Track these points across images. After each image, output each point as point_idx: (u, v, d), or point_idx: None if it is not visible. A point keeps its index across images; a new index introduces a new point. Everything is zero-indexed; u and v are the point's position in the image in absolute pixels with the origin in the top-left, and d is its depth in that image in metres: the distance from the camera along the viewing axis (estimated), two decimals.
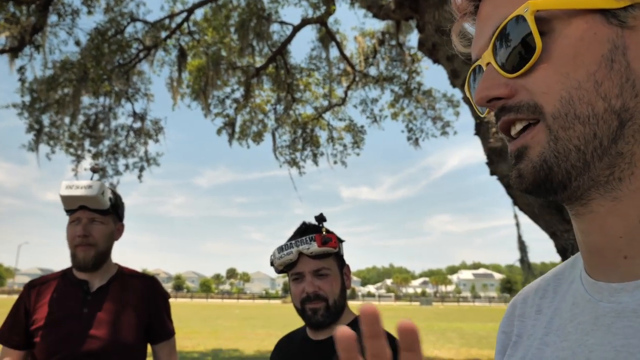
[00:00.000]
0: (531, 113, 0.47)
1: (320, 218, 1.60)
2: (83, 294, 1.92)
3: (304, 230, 1.56)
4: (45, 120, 8.78)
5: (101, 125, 9.16)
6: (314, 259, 1.50)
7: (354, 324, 1.54)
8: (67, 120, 8.74)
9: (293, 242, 1.52)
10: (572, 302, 0.53)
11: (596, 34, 0.46)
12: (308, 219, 1.62)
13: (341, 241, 1.61)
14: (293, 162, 10.63)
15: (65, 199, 1.91)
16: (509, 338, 0.63)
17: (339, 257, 1.57)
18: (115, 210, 2.04)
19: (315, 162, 10.65)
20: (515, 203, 4.13)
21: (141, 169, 9.56)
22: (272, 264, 1.57)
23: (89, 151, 9.20)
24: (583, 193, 0.47)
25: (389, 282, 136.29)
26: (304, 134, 10.62)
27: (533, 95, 0.47)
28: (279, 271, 1.57)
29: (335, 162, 10.76)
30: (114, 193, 2.07)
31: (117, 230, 2.06)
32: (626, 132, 0.45)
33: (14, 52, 7.37)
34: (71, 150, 9.12)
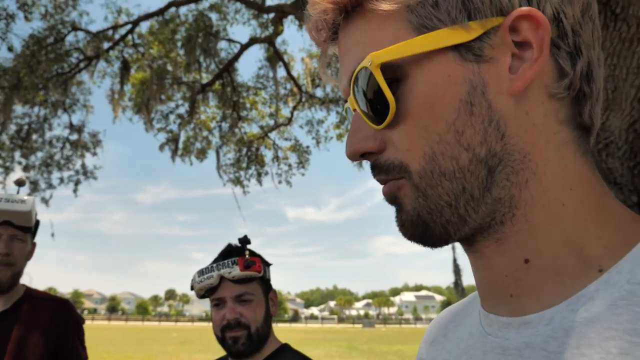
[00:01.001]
0: (397, 173, 0.45)
1: (244, 240, 1.54)
2: None
3: (227, 253, 1.50)
4: None
5: (34, 136, 8.73)
6: (236, 284, 1.45)
7: (279, 353, 1.49)
8: None
9: (214, 265, 1.46)
10: (469, 332, 0.53)
11: (450, 75, 0.43)
12: (253, 238, 1.57)
13: (267, 265, 1.56)
14: (237, 181, 10.51)
15: None
16: None
17: (264, 282, 1.52)
18: (34, 228, 1.93)
19: (259, 182, 10.58)
20: None
21: (77, 183, 9.19)
22: (192, 288, 1.51)
23: (20, 163, 8.73)
24: (469, 236, 0.46)
25: (332, 304, 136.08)
26: (249, 152, 10.55)
27: (398, 152, 0.45)
28: (199, 296, 1.51)
29: (280, 182, 10.74)
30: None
31: (31, 250, 1.94)
32: (498, 178, 0.43)
33: None
34: (0, 161, 8.63)
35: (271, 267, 1.59)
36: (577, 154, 0.45)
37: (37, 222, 1.97)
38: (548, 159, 0.44)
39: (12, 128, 8.44)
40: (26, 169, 8.75)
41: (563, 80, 0.44)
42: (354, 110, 0.48)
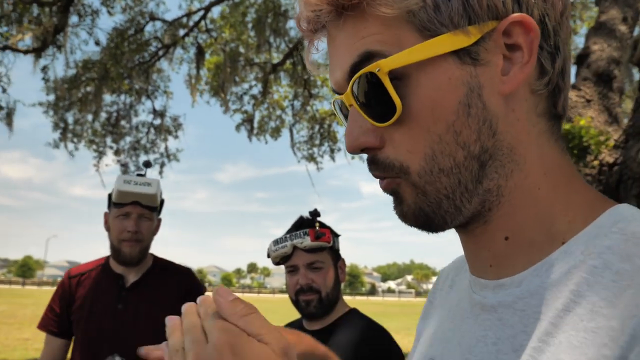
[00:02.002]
0: (396, 173, 0.49)
1: (314, 213, 1.65)
2: (118, 289, 1.95)
3: (299, 225, 1.62)
4: (70, 118, 9.01)
5: (123, 122, 9.35)
6: (307, 253, 1.56)
7: (347, 316, 1.60)
8: (89, 117, 8.96)
9: (288, 235, 1.58)
10: (462, 287, 0.60)
11: (450, 79, 0.46)
12: (328, 214, 1.67)
13: (336, 235, 1.66)
14: (311, 158, 10.68)
15: (122, 194, 1.92)
16: (430, 305, 0.71)
17: (333, 251, 1.63)
18: (160, 206, 2.07)
19: (332, 158, 10.69)
20: None
21: (162, 165, 9.74)
22: (268, 255, 1.64)
23: (111, 147, 9.42)
24: (464, 223, 0.51)
25: (409, 278, 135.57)
26: (321, 129, 10.66)
27: (398, 152, 0.48)
28: (275, 263, 1.64)
29: (352, 158, 10.78)
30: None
31: (157, 226, 2.10)
32: (488, 171, 0.47)
33: (37, 52, 7.59)
34: (94, 146, 9.35)
35: (348, 242, 1.69)
36: (552, 141, 0.50)
37: (162, 201, 2.11)
38: (528, 149, 0.48)
39: (103, 116, 9.09)
40: (117, 153, 9.42)
41: (544, 78, 0.48)
42: (350, 105, 0.50)
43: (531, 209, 0.48)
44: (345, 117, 0.56)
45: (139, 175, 2.02)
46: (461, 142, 0.46)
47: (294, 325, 1.70)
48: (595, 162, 3.59)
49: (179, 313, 0.52)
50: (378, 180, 0.52)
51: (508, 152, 0.48)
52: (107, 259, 2.06)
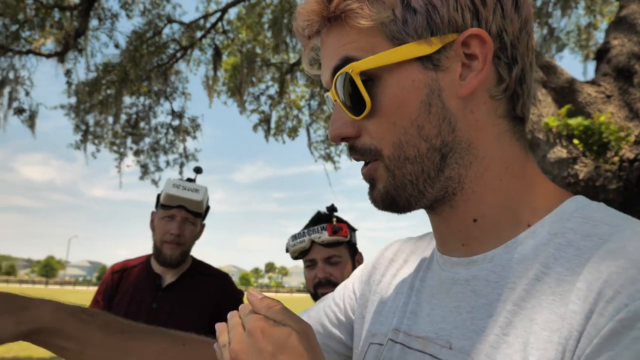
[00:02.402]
0: (372, 156, 0.57)
1: (332, 208, 1.67)
2: (155, 288, 1.99)
3: (317, 220, 1.65)
4: (90, 120, 9.17)
5: (142, 124, 9.47)
6: (325, 247, 1.58)
7: None
8: (110, 119, 9.10)
9: (306, 230, 1.61)
10: (424, 265, 0.67)
11: (414, 81, 0.54)
12: (345, 214, 1.69)
13: (353, 230, 1.68)
14: (328, 157, 10.69)
15: (170, 197, 1.94)
16: (374, 270, 0.76)
17: (350, 245, 1.65)
18: (205, 213, 2.09)
19: (350, 157, 10.69)
20: None
21: (181, 165, 9.85)
22: (287, 250, 1.67)
23: (131, 149, 9.54)
24: (428, 206, 0.59)
25: None
26: None
27: (372, 139, 0.56)
28: (293, 257, 1.66)
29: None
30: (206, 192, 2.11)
31: (200, 229, 2.12)
32: (449, 162, 0.55)
33: (59, 55, 7.74)
34: (114, 148, 9.49)
35: (364, 241, 1.71)
36: (513, 139, 0.57)
37: (208, 207, 2.13)
38: (488, 146, 0.56)
39: (123, 118, 9.23)
40: (137, 153, 9.54)
41: (501, 85, 0.56)
42: (335, 100, 0.58)
43: (494, 196, 0.56)
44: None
45: (188, 180, 2.04)
46: (424, 135, 0.54)
47: None
48: (616, 158, 3.54)
49: (211, 316, 0.63)
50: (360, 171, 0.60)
51: (467, 147, 0.55)
52: (149, 257, 2.10)
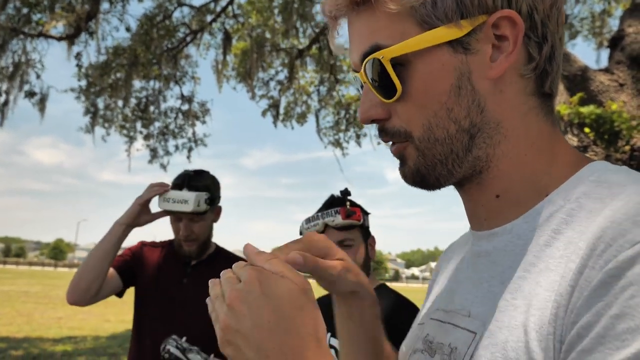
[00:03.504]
0: (402, 138, 0.58)
1: (345, 192, 1.69)
2: (184, 265, 2.07)
3: (330, 203, 1.67)
4: (100, 103, 9.21)
5: (151, 108, 9.50)
6: (339, 230, 1.61)
7: (377, 291, 1.64)
8: (120, 103, 9.13)
9: (320, 214, 1.63)
10: (463, 251, 0.71)
11: (444, 65, 0.54)
12: (353, 200, 1.71)
13: (366, 214, 1.70)
14: (337, 143, 10.68)
15: (163, 211, 1.97)
16: (436, 278, 0.80)
17: (363, 229, 1.67)
18: (212, 202, 2.08)
19: (358, 143, 10.67)
20: None
21: (190, 150, 9.88)
22: (300, 233, 1.69)
23: (141, 132, 9.59)
24: (456, 183, 0.61)
25: (433, 265, 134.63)
26: (347, 114, 10.64)
27: (402, 122, 0.58)
28: None
29: (378, 143, 10.73)
30: (213, 180, 2.11)
31: (215, 215, 2.15)
32: (477, 142, 0.56)
33: (70, 39, 7.76)
34: (124, 131, 9.54)
35: (372, 228, 1.73)
36: (540, 115, 0.58)
37: (218, 195, 2.11)
38: (515, 124, 0.57)
39: (132, 101, 9.26)
40: (146, 138, 9.59)
41: (531, 64, 0.56)
42: (364, 82, 0.59)
43: (518, 171, 0.57)
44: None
45: (178, 184, 2.02)
46: (453, 117, 0.55)
47: (324, 300, 1.76)
48: (627, 147, 3.53)
49: None
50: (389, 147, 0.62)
51: (495, 126, 0.56)
52: (173, 240, 2.14)
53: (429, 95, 0.55)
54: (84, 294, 1.87)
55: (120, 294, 2.08)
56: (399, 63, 0.55)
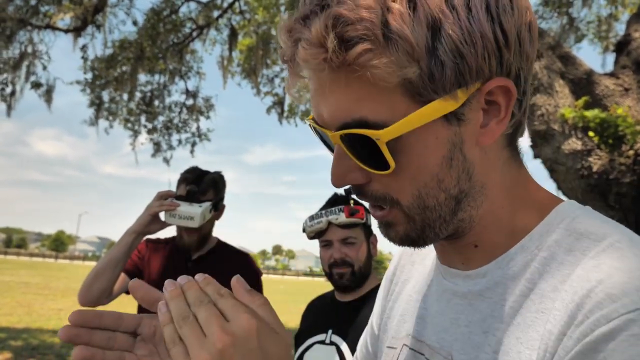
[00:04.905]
0: (387, 203, 0.55)
1: (349, 191, 1.70)
2: (185, 260, 2.12)
3: (334, 202, 1.68)
4: (105, 96, 9.23)
5: (156, 102, 9.51)
6: (342, 228, 1.62)
7: (379, 289, 1.66)
8: (125, 96, 9.15)
9: (323, 212, 1.64)
10: (430, 270, 0.70)
11: (437, 138, 0.51)
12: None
13: (369, 212, 1.71)
14: None
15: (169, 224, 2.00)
16: (394, 281, 0.80)
17: (366, 227, 1.69)
18: (215, 207, 2.09)
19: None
20: (559, 187, 4.09)
21: (193, 144, 9.89)
22: (304, 230, 1.71)
23: (145, 126, 9.60)
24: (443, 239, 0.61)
25: None
26: None
27: (388, 190, 0.54)
28: (310, 237, 1.70)
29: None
30: (219, 177, 2.13)
31: (218, 213, 2.17)
32: (463, 206, 0.56)
33: (77, 31, 7.78)
34: (129, 125, 9.56)
35: (372, 228, 1.74)
36: (512, 163, 0.58)
37: (222, 196, 2.14)
38: (495, 180, 0.57)
39: (137, 95, 9.28)
40: (150, 131, 9.60)
41: (512, 121, 0.55)
42: (336, 144, 0.54)
43: (496, 224, 0.58)
44: (322, 139, 0.59)
45: (188, 195, 2.02)
46: (443, 187, 0.54)
47: (326, 297, 1.78)
48: (631, 152, 3.53)
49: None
50: (369, 208, 0.60)
51: (480, 189, 0.56)
52: (175, 236, 2.19)
53: (420, 169, 0.52)
54: (96, 299, 1.94)
55: (129, 292, 2.11)
56: (392, 143, 0.50)
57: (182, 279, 0.53)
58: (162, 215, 1.99)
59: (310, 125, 0.59)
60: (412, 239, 0.58)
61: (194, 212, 1.94)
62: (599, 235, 0.51)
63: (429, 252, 0.73)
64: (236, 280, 0.53)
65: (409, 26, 0.47)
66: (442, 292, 0.63)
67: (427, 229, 0.56)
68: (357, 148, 0.52)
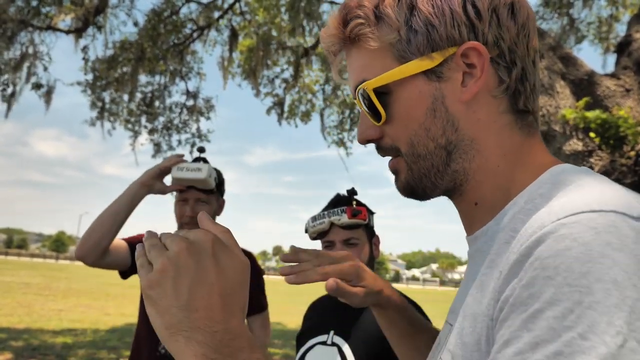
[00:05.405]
0: (394, 153, 0.69)
1: (352, 192, 1.71)
2: None
3: (336, 202, 1.68)
4: (106, 97, 9.23)
5: (157, 103, 9.52)
6: (344, 229, 1.62)
7: None
8: (125, 97, 9.16)
9: (326, 212, 1.64)
10: None
11: (420, 92, 0.63)
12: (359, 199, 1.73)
13: (372, 213, 1.71)
14: (341, 142, 10.69)
15: (176, 181, 2.01)
16: None
17: (368, 228, 1.68)
18: (218, 189, 2.16)
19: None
20: None
21: (192, 145, 9.89)
22: (306, 231, 1.71)
23: (145, 127, 9.61)
24: (443, 194, 0.69)
25: (434, 266, 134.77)
26: (351, 114, 10.65)
27: (393, 141, 0.67)
28: (312, 238, 1.70)
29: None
30: (217, 172, 2.19)
31: (219, 207, 2.20)
32: (454, 157, 0.64)
33: (78, 32, 7.78)
34: (129, 126, 9.56)
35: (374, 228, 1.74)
36: (514, 129, 0.65)
37: (222, 182, 2.22)
38: (488, 140, 0.64)
39: (138, 96, 9.28)
40: (151, 132, 9.61)
41: (502, 85, 0.63)
42: (360, 108, 0.69)
43: (492, 181, 0.64)
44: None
45: (194, 160, 2.11)
46: (430, 136, 0.64)
47: (327, 298, 1.77)
48: (632, 153, 3.53)
49: None
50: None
51: (469, 143, 0.64)
52: None
53: (409, 118, 0.64)
54: (93, 249, 1.88)
55: (125, 274, 2.09)
56: (383, 92, 0.65)
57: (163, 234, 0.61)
58: (172, 171, 1.99)
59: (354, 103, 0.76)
60: (412, 187, 0.68)
61: (202, 165, 1.99)
62: (576, 183, 0.55)
63: None
64: (202, 214, 0.63)
65: (392, 8, 0.63)
66: (468, 261, 0.70)
67: (424, 179, 0.66)
68: (365, 104, 0.67)
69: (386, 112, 0.65)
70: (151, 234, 0.61)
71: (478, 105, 0.63)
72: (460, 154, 0.64)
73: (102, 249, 1.89)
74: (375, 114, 0.66)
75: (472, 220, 0.68)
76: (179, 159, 1.96)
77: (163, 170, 1.94)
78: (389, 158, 0.71)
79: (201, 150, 2.17)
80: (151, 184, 1.92)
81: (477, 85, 0.62)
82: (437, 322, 1.63)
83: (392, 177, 0.72)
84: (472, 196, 0.66)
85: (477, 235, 0.66)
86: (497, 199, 0.64)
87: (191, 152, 9.87)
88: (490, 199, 0.64)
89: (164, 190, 1.97)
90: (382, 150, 0.70)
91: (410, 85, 0.63)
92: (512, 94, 0.64)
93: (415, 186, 0.67)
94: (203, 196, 2.08)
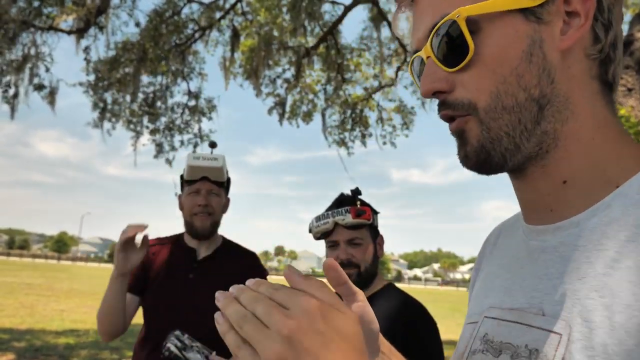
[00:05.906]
0: (465, 110, 0.56)
1: (356, 191, 1.70)
2: (191, 260, 2.07)
3: (340, 202, 1.67)
4: (108, 98, 9.25)
5: (158, 103, 9.53)
6: (348, 229, 1.61)
7: (384, 290, 1.66)
8: (127, 98, 9.17)
9: (330, 212, 1.64)
10: (515, 243, 0.66)
11: (517, 31, 0.54)
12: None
13: (376, 213, 1.71)
14: (342, 142, 10.69)
15: (192, 169, 2.02)
16: (477, 273, 0.77)
17: (372, 228, 1.68)
18: (227, 185, 2.16)
19: (364, 143, 10.68)
20: None
21: (195, 145, 9.91)
22: (310, 231, 1.70)
23: (147, 127, 9.62)
24: (520, 166, 0.57)
25: (436, 266, 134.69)
26: (353, 114, 10.65)
27: (468, 92, 0.55)
28: (316, 238, 1.70)
29: (384, 143, 10.74)
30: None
31: (225, 204, 2.18)
32: (546, 114, 0.54)
33: (80, 33, 7.80)
34: (131, 126, 9.58)
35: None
36: (603, 102, 0.57)
37: (229, 179, 2.21)
38: (582, 104, 0.55)
39: (140, 96, 9.30)
40: (153, 132, 9.62)
41: (597, 45, 0.55)
42: (427, 57, 0.58)
43: (586, 156, 0.55)
44: (419, 78, 0.63)
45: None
46: (523, 84, 0.54)
47: None
48: None
49: None
50: (447, 124, 0.60)
51: (564, 101, 0.55)
52: (180, 235, 2.17)
53: (500, 60, 0.54)
54: (114, 332, 1.96)
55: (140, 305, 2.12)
56: (472, 30, 0.54)
57: (233, 288, 0.51)
58: (188, 159, 2.00)
59: (410, 68, 0.64)
60: (488, 152, 0.56)
61: (218, 155, 2.00)
62: None
63: (512, 226, 0.70)
64: (288, 269, 0.52)
65: None
66: (529, 254, 0.60)
67: (505, 138, 0.55)
68: (441, 45, 0.56)
69: (475, 49, 0.54)
70: (227, 300, 0.50)
71: (573, 61, 0.55)
72: (553, 112, 0.54)
73: (121, 327, 1.96)
74: (456, 55, 0.55)
75: (557, 205, 0.57)
76: (140, 228, 1.83)
77: (123, 248, 1.81)
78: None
79: (212, 145, 2.17)
80: (125, 270, 1.83)
81: (579, 33, 0.54)
82: (439, 321, 1.62)
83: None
84: (560, 171, 0.56)
85: (562, 225, 0.55)
86: (593, 182, 0.54)
87: (194, 152, 9.85)
88: (584, 179, 0.55)
89: (141, 257, 1.86)
90: (448, 107, 0.57)
91: (505, 21, 0.54)
92: (604, 60, 0.56)
93: (492, 150, 0.55)
94: (215, 188, 2.08)
